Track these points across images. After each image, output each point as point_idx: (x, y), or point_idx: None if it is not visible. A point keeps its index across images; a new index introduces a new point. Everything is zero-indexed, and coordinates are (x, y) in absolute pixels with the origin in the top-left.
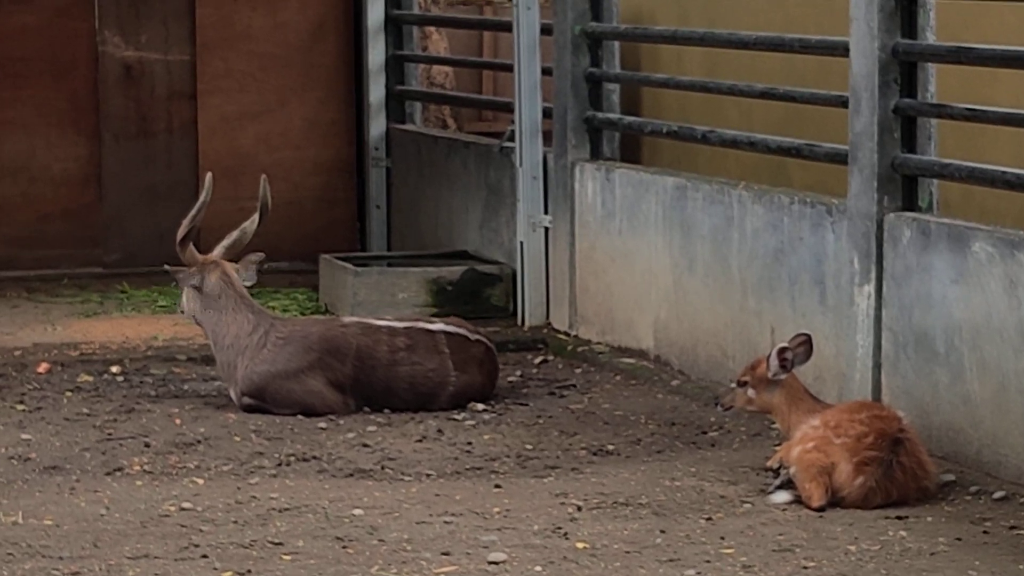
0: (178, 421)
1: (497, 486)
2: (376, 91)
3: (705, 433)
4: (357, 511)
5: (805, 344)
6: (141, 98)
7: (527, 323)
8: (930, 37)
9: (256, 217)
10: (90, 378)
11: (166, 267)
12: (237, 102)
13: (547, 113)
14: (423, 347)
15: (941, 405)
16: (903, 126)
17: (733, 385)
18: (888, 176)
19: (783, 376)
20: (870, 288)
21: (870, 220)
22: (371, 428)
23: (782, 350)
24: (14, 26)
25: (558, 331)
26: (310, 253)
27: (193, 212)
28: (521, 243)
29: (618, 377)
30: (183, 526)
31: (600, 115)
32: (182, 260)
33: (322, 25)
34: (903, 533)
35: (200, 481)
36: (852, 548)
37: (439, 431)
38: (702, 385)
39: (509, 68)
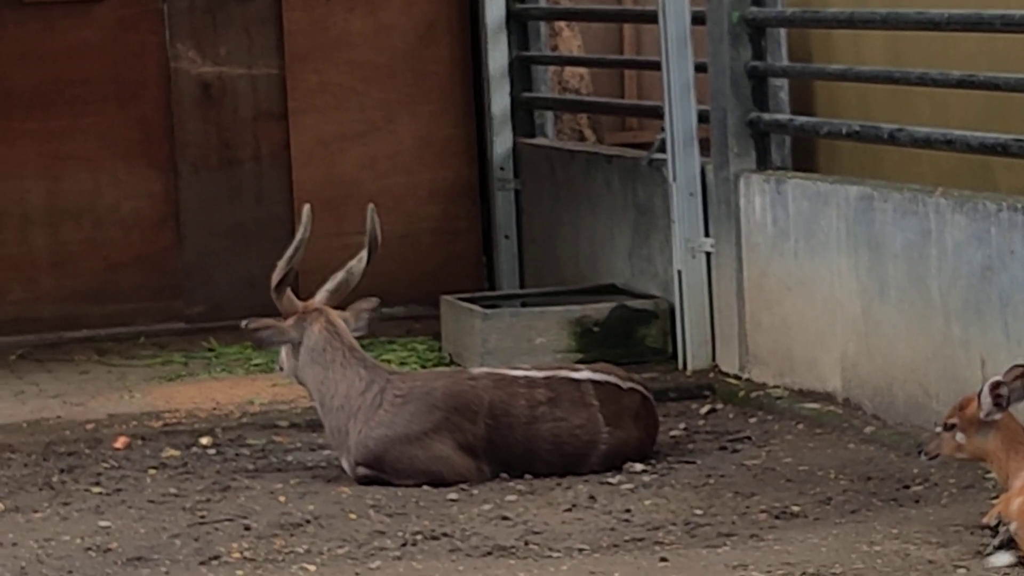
0: (282, 499)
1: (663, 559)
2: (499, 100)
3: (907, 488)
4: None
5: (1023, 377)
6: (223, 121)
7: (690, 367)
8: None
9: (364, 255)
10: (177, 452)
11: (243, 323)
12: (336, 121)
13: (703, 117)
14: (568, 400)
15: None
16: None
17: (938, 429)
18: None
19: (998, 416)
20: None
21: None
22: (510, 498)
23: (995, 385)
24: (71, 43)
25: (727, 375)
26: (429, 295)
27: (290, 252)
28: (679, 272)
29: (800, 426)
30: None
31: (767, 116)
32: (278, 309)
33: (432, 26)
34: None
35: (311, 568)
36: None
37: (591, 497)
38: (901, 431)
39: (656, 66)
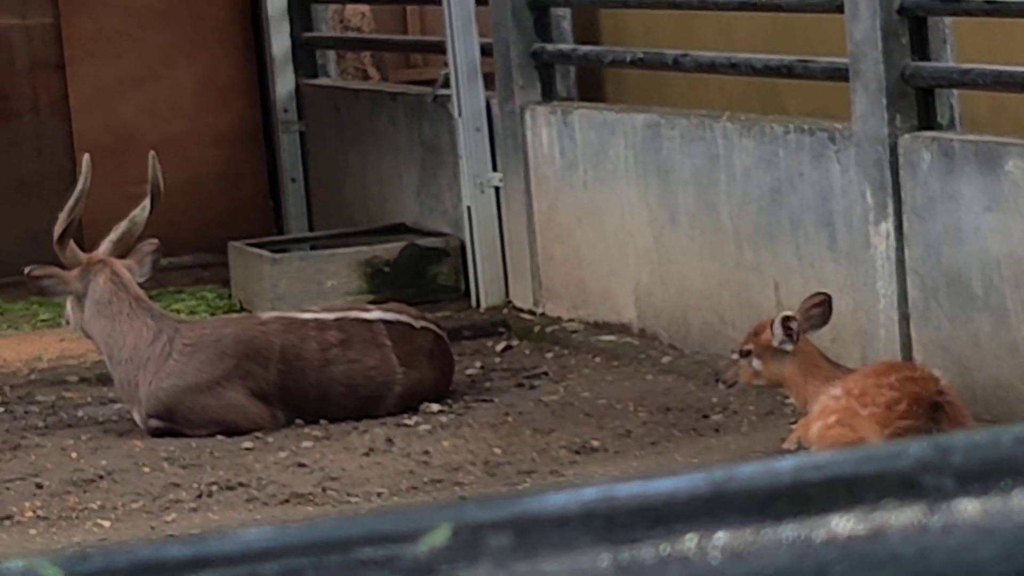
0: (74, 455)
1: (463, 499)
2: (279, 41)
3: (707, 417)
4: None
5: (822, 305)
6: None
7: (483, 303)
8: None
9: (147, 203)
10: None
11: (26, 270)
12: (114, 68)
13: (486, 51)
14: (360, 341)
15: (984, 358)
16: (912, 29)
17: (735, 356)
18: (898, 90)
19: (790, 347)
20: (888, 226)
21: (881, 145)
22: (306, 444)
23: (786, 318)
24: None
25: (521, 310)
26: (217, 242)
27: (70, 204)
28: (468, 209)
29: (597, 359)
30: None
31: (550, 47)
32: (62, 261)
33: None
34: None
35: (106, 523)
36: None
37: (388, 441)
38: (698, 360)
39: (437, 1)
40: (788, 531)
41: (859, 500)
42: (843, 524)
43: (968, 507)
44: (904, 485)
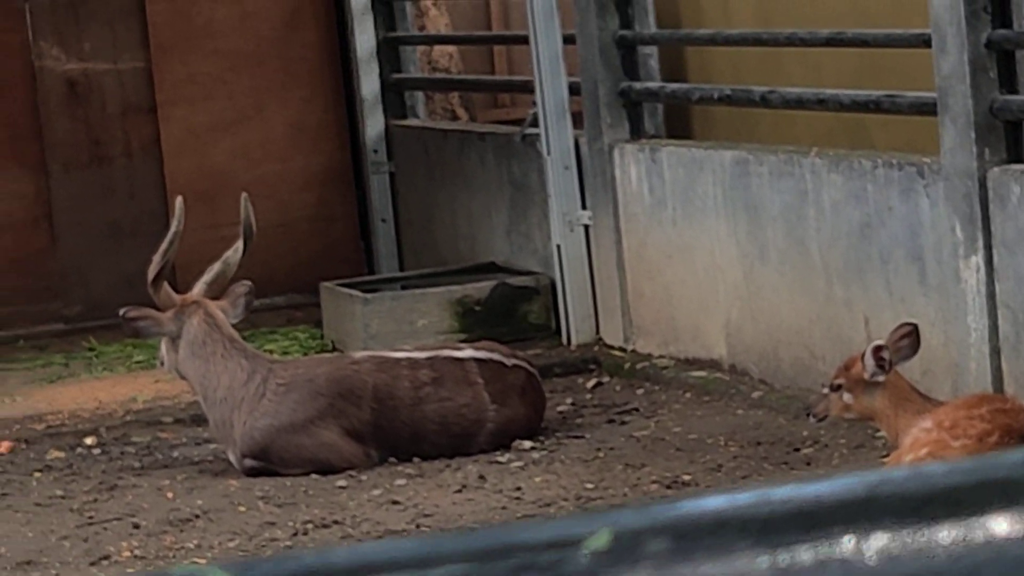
0: (170, 495)
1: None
2: (369, 83)
3: (797, 450)
4: None
5: (910, 336)
6: (91, 118)
7: (574, 341)
8: None
9: (240, 245)
10: (61, 454)
11: (121, 311)
12: (205, 112)
13: (575, 89)
14: (452, 379)
15: None
16: (1000, 62)
17: (826, 391)
18: (987, 124)
19: (882, 378)
20: (978, 259)
21: (970, 178)
22: (400, 482)
23: (877, 348)
24: None
25: (611, 347)
26: (309, 282)
27: (164, 246)
28: (558, 247)
29: (688, 394)
30: None
31: (637, 85)
32: (156, 303)
33: (297, 11)
34: None
35: (203, 562)
36: None
37: (481, 477)
38: (788, 395)
39: (524, 40)
40: (943, 533)
41: (1014, 502)
42: (998, 526)
43: None
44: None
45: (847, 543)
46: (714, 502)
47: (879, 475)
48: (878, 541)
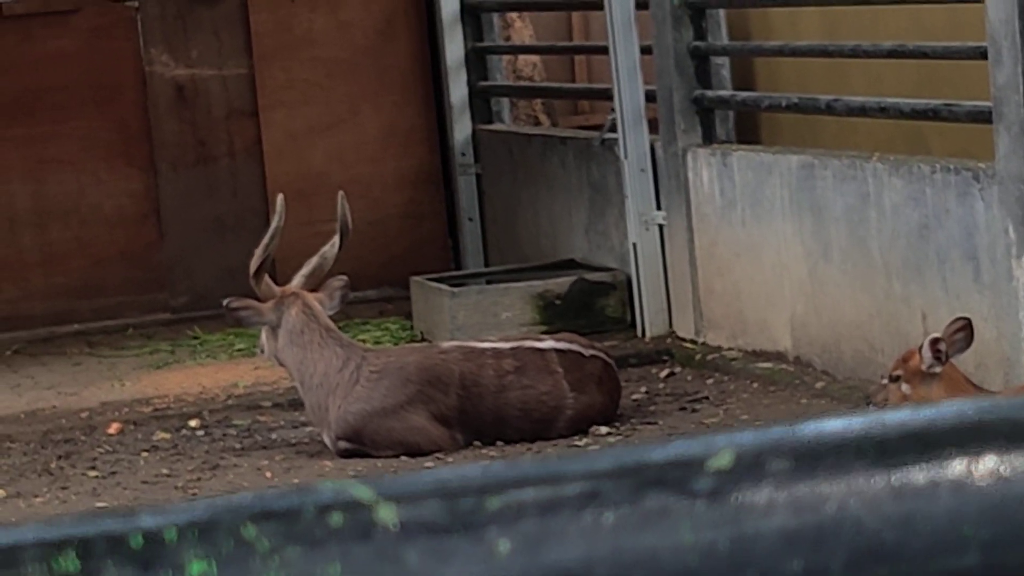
0: (269, 474)
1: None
2: (457, 90)
3: None
4: None
5: (964, 330)
6: (197, 120)
7: (648, 333)
8: None
9: (336, 240)
10: (167, 435)
11: (225, 302)
12: (304, 116)
13: (650, 97)
14: (533, 368)
15: None
16: None
17: (885, 381)
18: None
19: (939, 368)
20: None
21: (1023, 183)
22: (484, 463)
23: (934, 340)
24: (49, 52)
25: (683, 339)
26: (399, 276)
27: (266, 241)
28: (634, 245)
29: (755, 384)
30: None
31: (710, 93)
32: (257, 295)
33: (391, 21)
34: None
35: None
36: None
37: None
38: (850, 385)
39: (604, 51)
40: None
41: None
42: None
43: None
44: None
45: (958, 465)
46: (832, 425)
47: (990, 401)
48: (988, 463)
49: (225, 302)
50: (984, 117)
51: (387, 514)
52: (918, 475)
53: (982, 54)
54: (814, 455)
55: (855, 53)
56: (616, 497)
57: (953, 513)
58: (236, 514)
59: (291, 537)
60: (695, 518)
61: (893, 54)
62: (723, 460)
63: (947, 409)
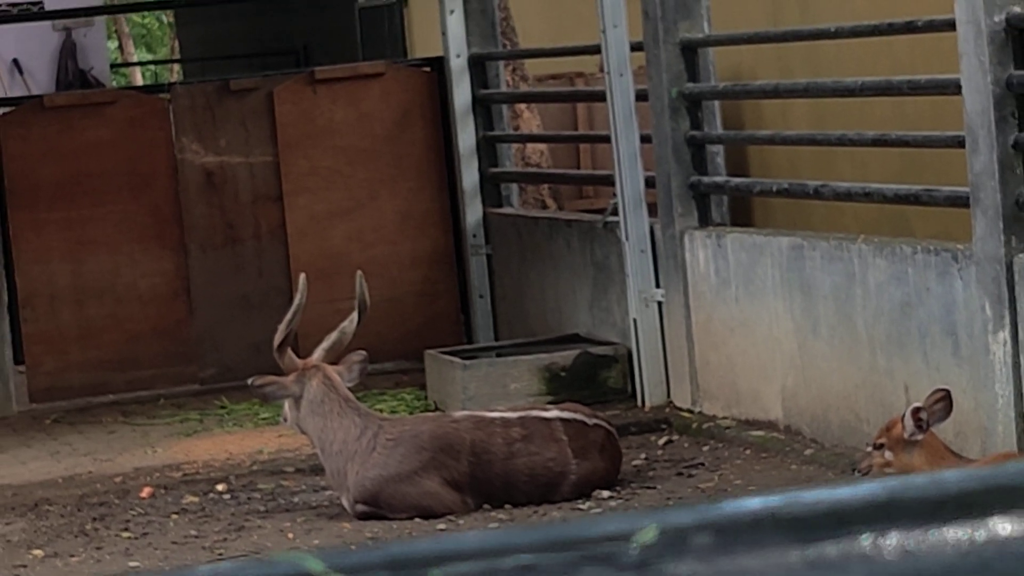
0: (291, 536)
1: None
2: (469, 176)
3: None
4: None
5: (944, 400)
6: (225, 205)
7: (648, 403)
8: None
9: (355, 316)
10: (196, 499)
11: (250, 381)
12: (325, 200)
13: (650, 182)
14: (540, 436)
15: None
16: None
17: (869, 449)
18: (1014, 215)
19: (920, 436)
20: (1005, 334)
21: (999, 263)
22: (493, 526)
23: (916, 410)
24: (88, 141)
25: (681, 409)
26: (414, 350)
27: (289, 316)
28: (634, 320)
29: (748, 451)
30: None
31: (706, 179)
32: (281, 367)
33: (407, 112)
34: None
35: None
36: None
37: (564, 522)
38: (837, 452)
39: (606, 139)
40: (953, 532)
41: (1016, 505)
42: (1002, 526)
43: None
44: None
45: (867, 540)
46: (751, 503)
47: (899, 481)
48: (895, 539)
49: (250, 381)
50: (962, 201)
51: None
52: (831, 549)
53: (960, 143)
54: (734, 530)
55: (841, 141)
56: (551, 570)
57: None
58: None
59: None
60: None
61: (877, 142)
62: (648, 535)
63: (860, 488)
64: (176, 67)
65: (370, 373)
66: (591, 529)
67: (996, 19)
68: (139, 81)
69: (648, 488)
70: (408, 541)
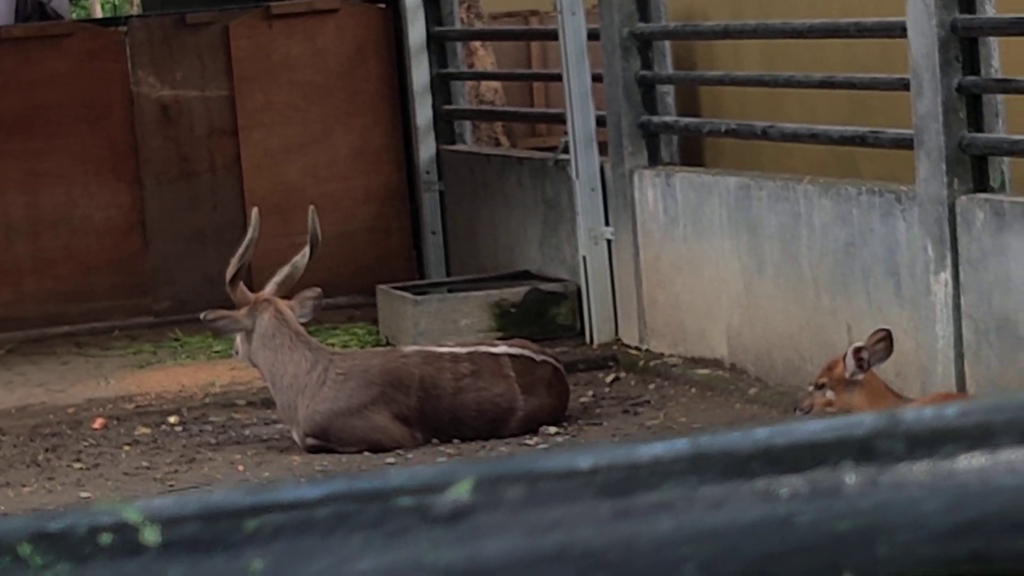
0: (241, 468)
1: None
2: (423, 113)
3: None
4: None
5: (885, 340)
6: (181, 138)
7: (596, 340)
8: (990, 10)
9: (306, 251)
10: (148, 430)
11: (202, 315)
12: (280, 135)
13: (601, 121)
14: (488, 372)
15: None
16: (968, 105)
17: (811, 388)
18: (956, 158)
19: (861, 376)
20: (946, 275)
21: (941, 205)
22: (440, 460)
23: (857, 349)
24: (44, 73)
25: (628, 347)
26: (367, 285)
27: (241, 250)
28: (584, 258)
29: (693, 389)
30: None
31: (655, 119)
32: (233, 300)
33: (362, 49)
34: None
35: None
36: None
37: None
38: (780, 391)
39: (559, 78)
40: (760, 485)
41: (821, 462)
42: (802, 482)
43: (915, 468)
44: (861, 450)
45: (676, 492)
46: (561, 460)
47: (709, 436)
48: (705, 491)
49: (202, 315)
50: (907, 144)
51: (151, 534)
52: (639, 500)
53: (905, 85)
54: (547, 484)
55: (789, 83)
56: (363, 521)
57: (672, 534)
58: (14, 533)
59: (63, 555)
60: (434, 540)
61: (824, 84)
62: (462, 488)
63: (667, 444)
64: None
65: (323, 307)
66: (407, 479)
67: None
68: (98, 14)
69: (595, 425)
70: (228, 490)
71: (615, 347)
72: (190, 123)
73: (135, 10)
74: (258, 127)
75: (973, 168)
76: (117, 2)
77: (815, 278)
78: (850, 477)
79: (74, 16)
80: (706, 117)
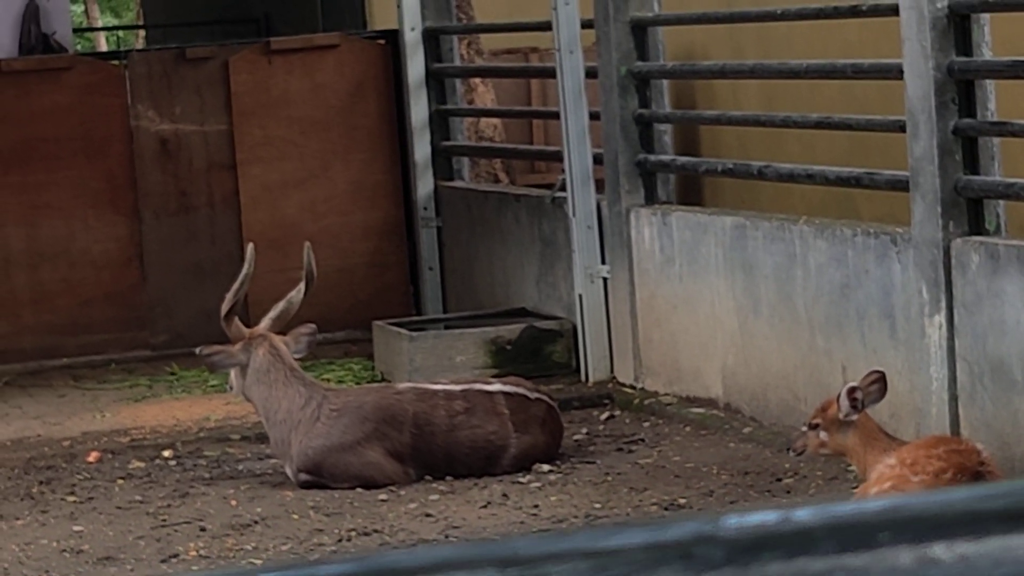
0: (234, 503)
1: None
2: (421, 148)
3: (780, 480)
4: None
5: (879, 382)
6: (179, 172)
7: (591, 378)
8: (987, 53)
9: (302, 286)
10: (142, 464)
11: (197, 350)
12: (279, 170)
13: (598, 159)
14: (482, 409)
15: (1022, 435)
16: (964, 147)
17: (805, 428)
18: (952, 200)
19: (855, 416)
20: (941, 318)
21: (936, 247)
22: (433, 497)
23: (851, 390)
24: (45, 106)
25: (623, 385)
26: (364, 320)
27: (236, 285)
28: (580, 296)
29: (687, 428)
30: None
31: (652, 157)
32: (228, 335)
33: (361, 84)
34: None
35: (259, 562)
36: None
37: (504, 495)
38: (774, 431)
39: (557, 116)
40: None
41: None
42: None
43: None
44: (681, 556)
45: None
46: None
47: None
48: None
49: (198, 350)
50: (903, 185)
51: None
52: None
53: (902, 127)
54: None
55: (786, 123)
56: None
57: None
58: None
59: None
60: None
61: (820, 124)
62: None
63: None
64: (141, 33)
65: (319, 342)
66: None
67: (939, 5)
68: (104, 46)
69: (588, 463)
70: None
71: (610, 385)
72: (189, 157)
73: (140, 43)
74: (257, 162)
75: (968, 211)
76: (122, 35)
77: (810, 319)
78: None
79: (78, 48)
80: (705, 156)
